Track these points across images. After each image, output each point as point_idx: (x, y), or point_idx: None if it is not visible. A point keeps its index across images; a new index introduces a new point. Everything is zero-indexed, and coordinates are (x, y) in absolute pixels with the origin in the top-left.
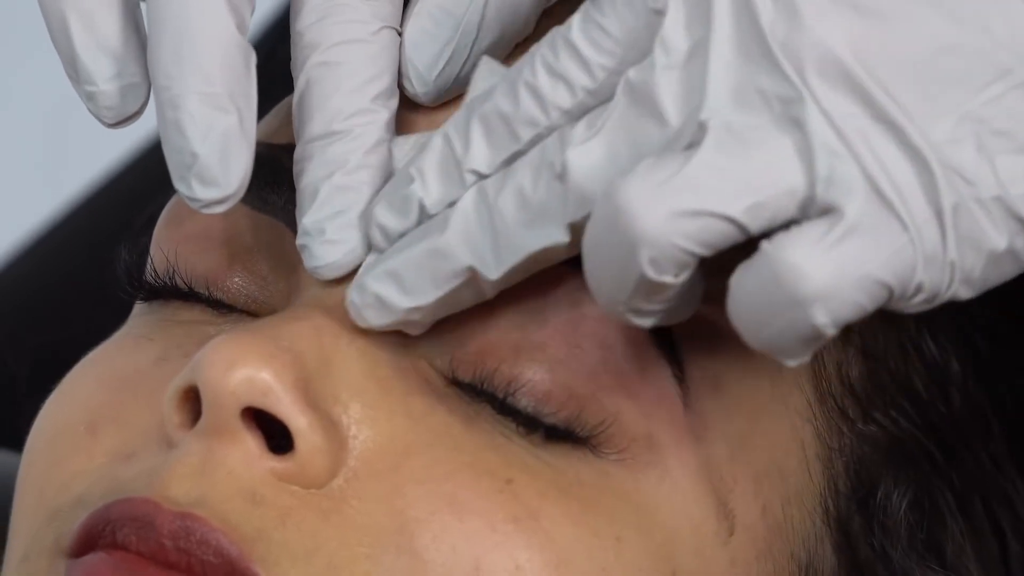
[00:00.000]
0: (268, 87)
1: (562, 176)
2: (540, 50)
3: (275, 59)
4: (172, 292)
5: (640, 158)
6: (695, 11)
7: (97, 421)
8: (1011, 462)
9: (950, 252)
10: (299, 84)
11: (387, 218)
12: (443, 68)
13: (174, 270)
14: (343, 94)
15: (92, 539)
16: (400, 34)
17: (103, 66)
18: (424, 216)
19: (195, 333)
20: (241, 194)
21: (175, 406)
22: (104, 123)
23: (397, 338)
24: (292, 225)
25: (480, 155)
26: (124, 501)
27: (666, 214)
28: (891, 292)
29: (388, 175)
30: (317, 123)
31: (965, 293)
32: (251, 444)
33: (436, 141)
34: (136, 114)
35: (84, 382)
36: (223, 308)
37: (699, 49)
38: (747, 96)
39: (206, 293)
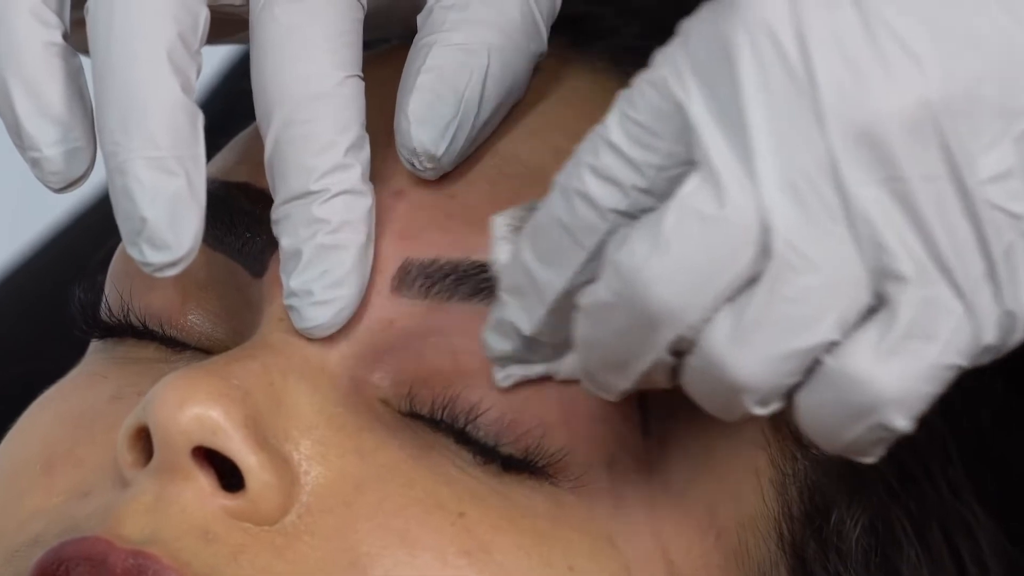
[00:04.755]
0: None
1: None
2: (583, 156)
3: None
4: (126, 330)
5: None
6: (719, 93)
7: (53, 460)
8: (970, 488)
9: (1007, 303)
10: (268, 142)
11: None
12: (448, 146)
13: (128, 308)
14: (314, 153)
15: None
16: (363, 79)
17: (46, 132)
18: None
19: (149, 371)
20: (193, 256)
21: (128, 445)
22: (51, 188)
23: (347, 375)
24: (247, 265)
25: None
26: (77, 540)
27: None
28: (960, 367)
29: (369, 229)
30: (292, 184)
31: None
32: (203, 482)
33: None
34: (82, 178)
35: (40, 420)
36: (177, 345)
37: (738, 142)
38: (800, 191)
39: (160, 331)
